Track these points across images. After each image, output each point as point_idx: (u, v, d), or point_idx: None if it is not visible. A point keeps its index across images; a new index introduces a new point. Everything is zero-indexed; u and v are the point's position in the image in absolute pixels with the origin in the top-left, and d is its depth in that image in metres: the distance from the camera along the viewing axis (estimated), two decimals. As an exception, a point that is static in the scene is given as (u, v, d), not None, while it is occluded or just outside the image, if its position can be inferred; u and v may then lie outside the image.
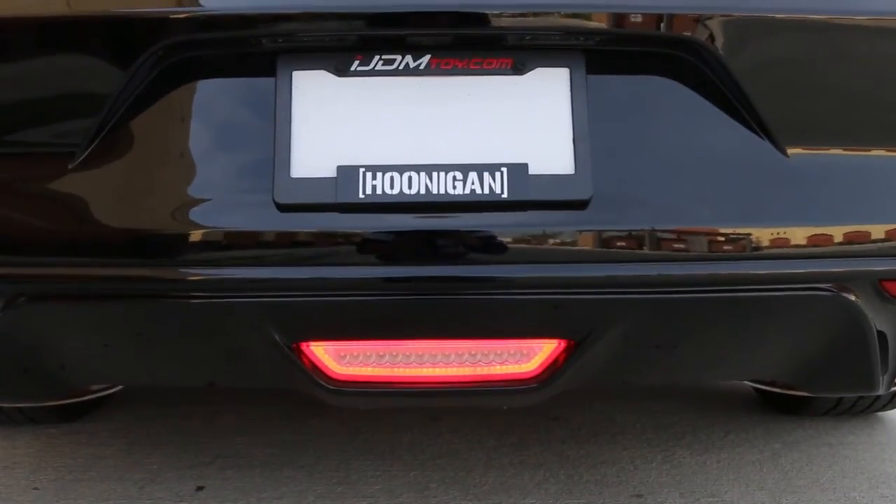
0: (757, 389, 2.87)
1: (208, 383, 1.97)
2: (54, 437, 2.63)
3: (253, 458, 2.47)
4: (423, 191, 1.58)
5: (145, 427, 2.70)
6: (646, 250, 1.61)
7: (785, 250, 1.64)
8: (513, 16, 1.62)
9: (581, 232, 1.61)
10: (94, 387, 2.37)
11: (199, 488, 2.29)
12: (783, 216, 1.64)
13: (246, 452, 2.50)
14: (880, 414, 2.80)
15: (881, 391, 1.82)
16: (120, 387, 2.54)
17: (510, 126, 1.62)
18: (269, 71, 1.64)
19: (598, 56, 1.65)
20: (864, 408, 2.64)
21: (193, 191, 1.62)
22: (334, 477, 2.35)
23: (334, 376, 1.74)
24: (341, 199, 1.58)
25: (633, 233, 1.61)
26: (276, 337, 1.68)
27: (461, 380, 1.77)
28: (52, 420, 2.69)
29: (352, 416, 2.74)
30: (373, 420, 2.72)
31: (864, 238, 1.67)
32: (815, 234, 1.65)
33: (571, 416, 2.78)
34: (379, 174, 1.59)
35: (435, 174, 1.59)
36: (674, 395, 2.97)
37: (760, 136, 1.65)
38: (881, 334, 1.73)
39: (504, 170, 1.59)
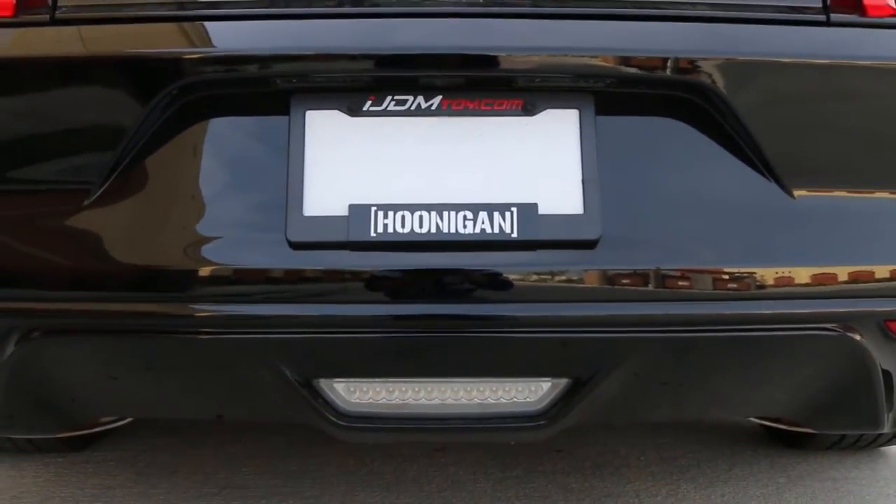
0: (762, 423, 2.88)
1: (217, 417, 1.99)
2: (62, 466, 2.63)
3: (259, 488, 2.47)
4: (433, 230, 1.61)
5: (152, 456, 2.71)
6: (653, 290, 1.63)
7: (791, 290, 1.66)
8: (523, 58, 1.65)
9: (590, 271, 1.63)
10: (104, 418, 2.38)
11: (206, 519, 2.30)
12: (789, 256, 1.66)
13: (252, 483, 2.51)
14: (883, 448, 2.81)
15: (886, 429, 1.83)
16: (129, 419, 2.55)
17: (520, 166, 1.65)
18: (283, 110, 1.67)
19: (607, 98, 1.68)
20: (868, 443, 2.65)
21: (207, 228, 1.64)
22: (340, 509, 2.36)
23: (344, 412, 1.76)
24: (353, 238, 1.61)
25: (641, 272, 1.63)
26: (287, 373, 1.69)
27: (469, 415, 1.78)
28: (60, 449, 2.69)
29: (357, 448, 2.74)
30: (378, 451, 2.73)
31: (870, 278, 1.69)
32: (821, 274, 1.67)
33: (576, 448, 2.79)
34: (390, 213, 1.61)
35: (446, 213, 1.61)
36: (678, 429, 2.98)
37: (767, 178, 1.67)
38: (886, 373, 1.75)
39: (514, 209, 1.62)
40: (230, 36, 1.68)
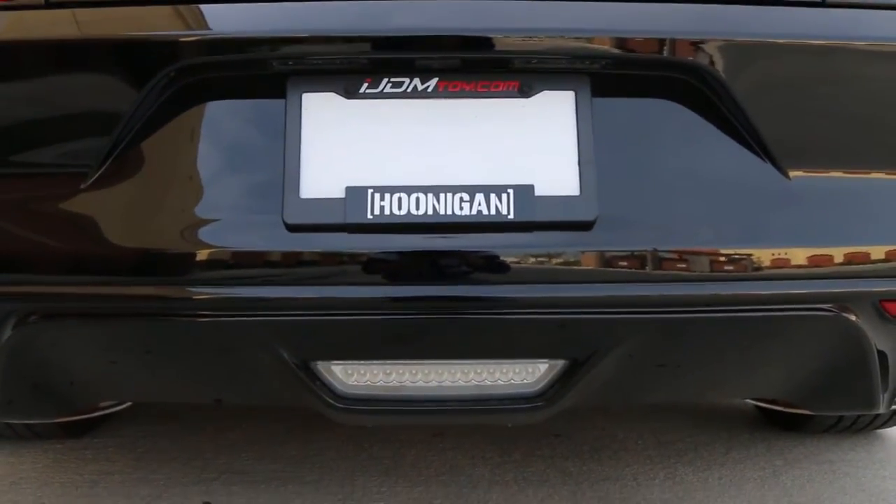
0: (758, 406, 2.89)
1: (215, 400, 1.99)
2: (61, 452, 2.64)
3: (258, 473, 2.48)
4: (430, 212, 1.61)
5: (151, 442, 2.72)
6: (649, 271, 1.64)
7: (786, 271, 1.66)
8: (519, 40, 1.65)
9: (586, 253, 1.63)
10: (103, 403, 2.39)
11: (206, 504, 2.31)
12: (785, 237, 1.67)
13: (252, 468, 2.52)
14: (879, 431, 2.82)
15: (882, 410, 1.84)
16: (128, 403, 2.55)
17: (516, 148, 1.65)
18: (279, 93, 1.67)
19: (603, 79, 1.68)
20: (865, 425, 2.66)
21: (204, 211, 1.65)
22: (339, 493, 2.36)
23: (342, 394, 1.76)
24: (350, 220, 1.61)
25: (637, 253, 1.64)
26: (285, 355, 1.70)
27: (467, 397, 1.79)
28: (59, 436, 2.70)
29: (356, 433, 2.75)
30: (377, 436, 2.74)
31: (865, 259, 1.69)
32: (816, 255, 1.67)
33: (574, 432, 2.80)
34: (387, 195, 1.62)
35: (442, 195, 1.62)
36: (675, 412, 2.99)
37: (762, 159, 1.67)
38: (881, 354, 1.75)
39: (510, 191, 1.62)
40: (226, 18, 1.67)
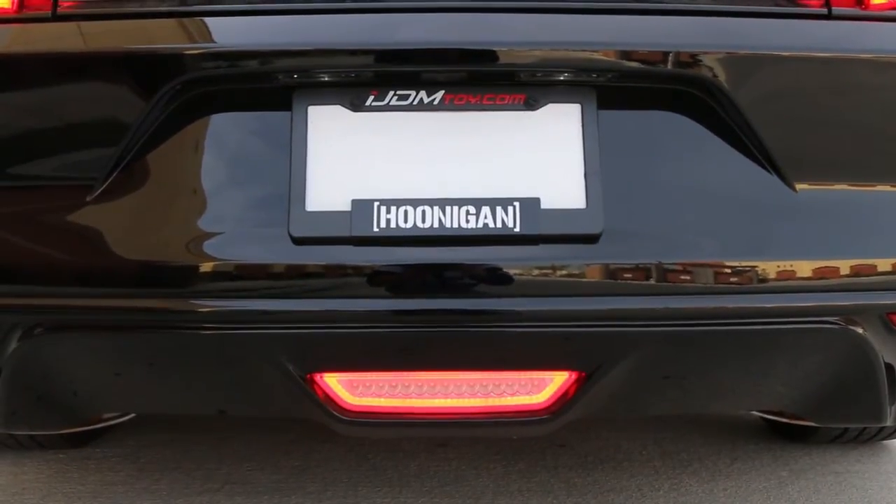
0: (764, 417, 2.88)
1: (219, 412, 1.99)
2: (63, 462, 2.64)
3: (261, 484, 2.48)
4: (436, 225, 1.61)
5: (154, 452, 2.71)
6: (656, 284, 1.63)
7: (793, 283, 1.66)
8: (525, 53, 1.65)
9: (592, 266, 1.63)
10: (106, 414, 2.38)
11: (209, 515, 2.30)
12: (791, 250, 1.67)
13: (254, 479, 2.51)
14: (886, 442, 2.81)
15: (888, 422, 1.83)
16: (132, 415, 2.55)
17: (522, 161, 1.65)
18: (285, 106, 1.67)
19: (609, 92, 1.68)
20: (871, 436, 2.65)
21: (209, 223, 1.64)
22: (343, 504, 2.36)
23: (347, 407, 1.76)
24: (356, 233, 1.61)
25: (643, 266, 1.63)
26: (290, 368, 1.70)
27: (473, 411, 1.78)
28: (62, 446, 2.69)
29: (359, 443, 2.74)
30: (380, 446, 2.73)
31: (872, 271, 1.69)
32: (823, 268, 1.67)
33: (578, 443, 2.79)
34: (393, 208, 1.61)
35: (448, 208, 1.61)
36: (680, 423, 2.98)
37: (769, 171, 1.67)
38: (888, 366, 1.75)
39: (516, 204, 1.62)
40: (232, 31, 1.67)
